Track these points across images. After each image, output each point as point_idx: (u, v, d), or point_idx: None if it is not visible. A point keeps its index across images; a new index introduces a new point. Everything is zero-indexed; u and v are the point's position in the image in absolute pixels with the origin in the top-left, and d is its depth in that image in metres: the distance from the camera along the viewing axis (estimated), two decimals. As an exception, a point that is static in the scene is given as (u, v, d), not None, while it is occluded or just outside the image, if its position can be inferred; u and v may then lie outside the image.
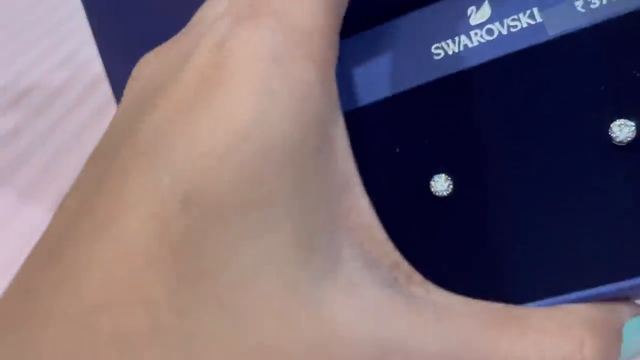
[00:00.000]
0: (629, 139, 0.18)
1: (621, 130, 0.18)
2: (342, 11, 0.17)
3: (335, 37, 0.17)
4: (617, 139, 0.18)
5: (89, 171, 0.16)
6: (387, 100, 0.21)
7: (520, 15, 0.20)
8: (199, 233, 0.13)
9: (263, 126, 0.14)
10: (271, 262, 0.14)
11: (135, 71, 0.17)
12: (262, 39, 0.15)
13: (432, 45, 0.21)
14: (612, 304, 0.17)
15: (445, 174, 0.19)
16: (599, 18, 0.19)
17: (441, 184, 0.19)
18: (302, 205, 0.14)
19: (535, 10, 0.20)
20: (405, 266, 0.15)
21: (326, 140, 0.15)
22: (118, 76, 0.36)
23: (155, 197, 0.13)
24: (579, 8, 0.19)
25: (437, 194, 0.19)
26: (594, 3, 0.19)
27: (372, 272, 0.15)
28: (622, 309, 0.17)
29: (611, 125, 0.18)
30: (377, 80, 0.21)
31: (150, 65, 0.17)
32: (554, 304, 0.17)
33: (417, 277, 0.15)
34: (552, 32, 0.20)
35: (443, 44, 0.20)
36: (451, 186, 0.19)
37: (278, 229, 0.14)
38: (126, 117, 0.16)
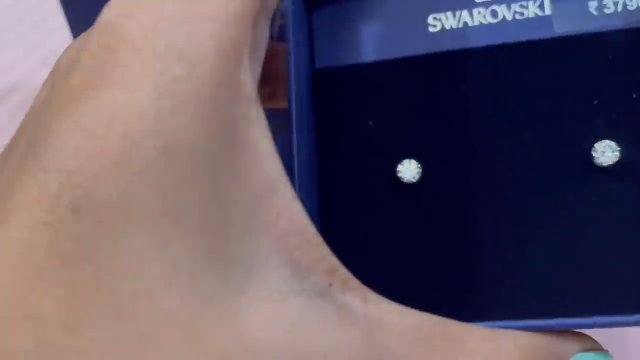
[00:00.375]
0: (609, 162, 0.17)
1: (604, 152, 0.17)
2: None
3: (256, 23, 0.15)
4: (597, 160, 0.17)
5: None
6: (370, 66, 0.19)
7: (530, 3, 0.18)
8: (94, 242, 0.12)
9: (163, 131, 0.12)
10: (180, 273, 0.13)
11: (56, 63, 0.15)
12: (163, 26, 0.13)
13: (429, 14, 0.19)
14: (561, 335, 0.16)
15: (416, 160, 0.17)
16: (611, 25, 0.18)
17: (409, 170, 0.17)
18: (216, 215, 0.13)
19: (546, 1, 0.18)
20: (342, 271, 0.14)
21: (241, 143, 0.14)
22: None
23: (43, 203, 0.12)
24: (592, 10, 0.18)
25: (403, 179, 0.18)
26: (609, 8, 0.18)
27: (302, 281, 0.14)
28: (570, 341, 0.16)
29: (595, 145, 0.17)
30: (364, 41, 0.19)
31: (65, 55, 0.15)
32: (500, 326, 0.16)
33: (354, 282, 0.14)
34: (559, 29, 0.18)
35: (442, 15, 0.19)
36: (419, 174, 0.18)
37: (187, 240, 0.13)
38: (30, 113, 0.14)
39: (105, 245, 0.12)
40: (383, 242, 0.18)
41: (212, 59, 0.13)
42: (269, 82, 0.20)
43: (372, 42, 0.19)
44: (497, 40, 0.18)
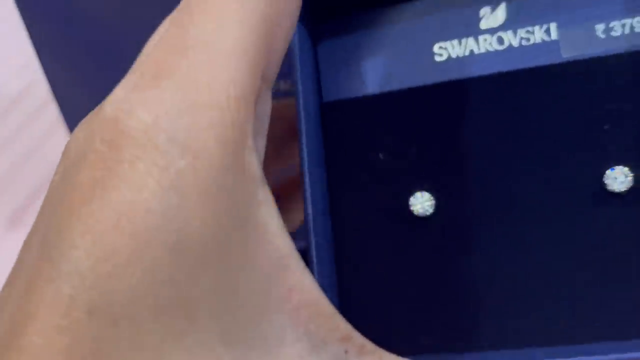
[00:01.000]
0: (622, 188, 0.17)
1: (617, 178, 0.17)
2: (273, 65, 0.15)
3: (258, 99, 0.15)
4: (610, 187, 0.17)
5: (12, 271, 0.15)
6: (378, 97, 0.19)
7: (536, 28, 0.18)
8: (111, 342, 0.13)
9: (169, 227, 0.13)
10: None
11: (66, 146, 0.15)
12: (163, 120, 0.13)
13: (435, 43, 0.18)
14: None
15: (429, 192, 0.17)
16: (619, 49, 0.17)
17: (422, 202, 0.18)
18: (229, 300, 0.13)
19: (553, 26, 0.18)
20: (357, 337, 0.15)
21: (250, 225, 0.14)
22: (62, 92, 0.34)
23: (59, 308, 0.13)
24: (599, 33, 0.18)
25: (415, 212, 0.17)
26: (616, 31, 0.18)
27: (319, 352, 0.14)
28: None
29: (607, 171, 0.17)
30: (370, 72, 0.19)
31: (73, 140, 0.15)
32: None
33: (369, 346, 0.15)
34: (566, 54, 0.18)
35: (448, 44, 0.18)
36: (433, 206, 0.18)
37: (202, 329, 0.13)
38: (45, 203, 0.15)
39: (122, 343, 0.12)
40: (396, 276, 0.18)
41: (215, 147, 0.13)
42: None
43: (378, 74, 0.19)
44: (504, 67, 0.18)
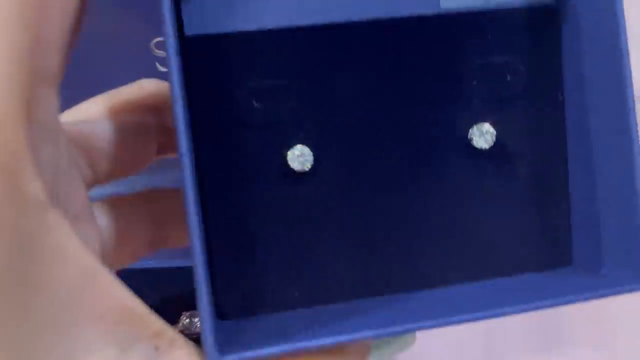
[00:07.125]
0: (485, 146, 0.18)
1: (481, 135, 0.18)
2: (52, 60, 0.14)
3: (41, 104, 0.14)
4: (475, 142, 0.18)
5: None
6: (249, 35, 0.17)
7: None
8: None
9: None
10: None
11: None
12: None
13: None
14: None
15: (306, 146, 0.17)
16: (496, 4, 0.18)
17: (300, 156, 0.17)
18: (27, 324, 0.14)
19: None
20: (168, 333, 0.15)
21: (43, 251, 0.14)
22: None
23: None
24: None
25: (294, 168, 0.17)
26: None
27: (128, 353, 0.15)
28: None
29: (475, 127, 0.18)
30: (241, 5, 0.17)
31: None
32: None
33: (180, 341, 0.16)
34: (445, 5, 0.18)
35: None
36: (311, 162, 0.17)
37: (2, 357, 0.14)
38: None
39: None
40: (268, 230, 0.18)
41: None
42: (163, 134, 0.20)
43: (250, 8, 0.17)
44: (385, 14, 0.17)
